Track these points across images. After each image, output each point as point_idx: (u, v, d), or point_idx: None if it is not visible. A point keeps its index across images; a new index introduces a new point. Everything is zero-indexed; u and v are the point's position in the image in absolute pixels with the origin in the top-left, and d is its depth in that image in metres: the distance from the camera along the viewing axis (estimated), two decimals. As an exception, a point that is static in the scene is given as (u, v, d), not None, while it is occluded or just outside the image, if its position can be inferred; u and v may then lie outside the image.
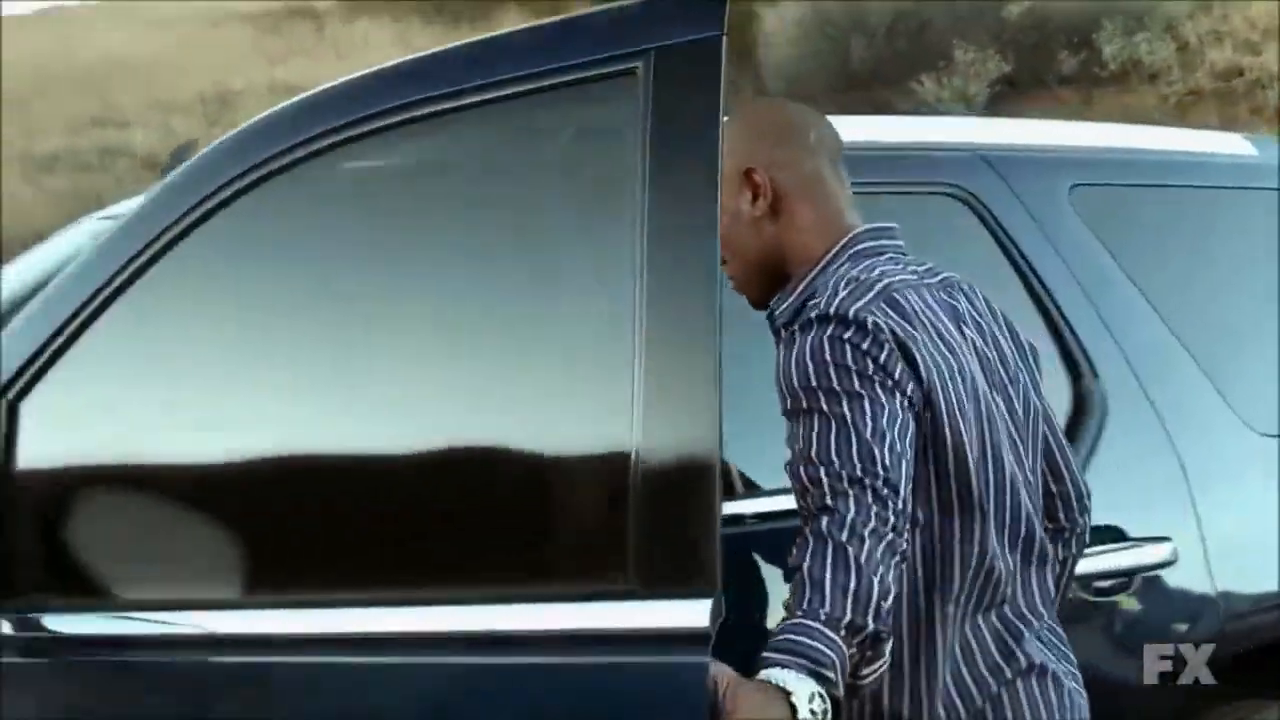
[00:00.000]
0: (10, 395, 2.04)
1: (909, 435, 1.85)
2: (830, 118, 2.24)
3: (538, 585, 1.85)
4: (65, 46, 21.73)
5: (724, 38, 1.82)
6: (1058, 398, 2.78)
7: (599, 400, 1.84)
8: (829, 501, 1.78)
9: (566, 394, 1.88)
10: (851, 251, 2.03)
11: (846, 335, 1.87)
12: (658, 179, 1.80)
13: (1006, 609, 2.01)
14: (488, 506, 1.91)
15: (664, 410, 1.76)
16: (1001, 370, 2.06)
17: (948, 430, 1.92)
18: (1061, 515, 2.18)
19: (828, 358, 1.86)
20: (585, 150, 1.96)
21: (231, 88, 20.91)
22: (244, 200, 1.99)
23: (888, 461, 1.80)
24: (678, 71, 1.82)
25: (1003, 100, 13.50)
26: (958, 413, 1.93)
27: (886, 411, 1.83)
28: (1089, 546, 2.28)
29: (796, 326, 1.92)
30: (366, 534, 1.96)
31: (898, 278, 1.99)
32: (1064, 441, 2.21)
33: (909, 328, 1.92)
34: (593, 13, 1.92)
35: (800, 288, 2.03)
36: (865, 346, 1.86)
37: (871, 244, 2.05)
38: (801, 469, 1.83)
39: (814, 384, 1.85)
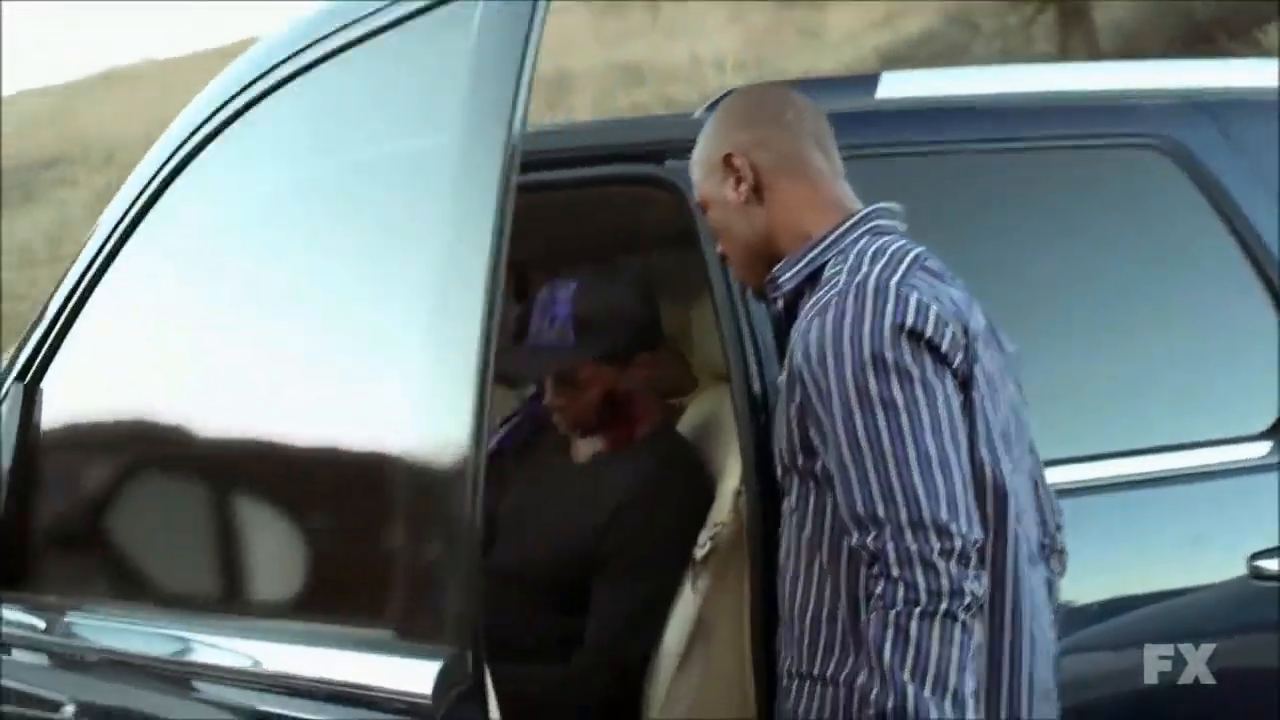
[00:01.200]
0: (27, 379, 2.09)
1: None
2: (1013, 66, 2.07)
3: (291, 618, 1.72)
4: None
5: None
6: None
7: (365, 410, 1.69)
8: (894, 570, 1.68)
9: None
10: (870, 226, 1.92)
11: (905, 321, 1.73)
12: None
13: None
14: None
15: (430, 429, 1.54)
16: (994, 374, 1.89)
17: (989, 412, 1.78)
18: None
19: (886, 353, 1.72)
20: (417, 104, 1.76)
21: (570, 70, 21.37)
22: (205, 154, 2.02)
23: (960, 502, 1.69)
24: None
25: (1362, 48, 12.37)
26: (997, 396, 1.81)
27: (948, 426, 1.71)
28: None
29: (826, 301, 1.79)
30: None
31: (920, 249, 1.87)
32: (1039, 456, 2.02)
33: (951, 292, 1.80)
34: None
35: (808, 257, 1.91)
36: (928, 333, 1.73)
37: (886, 222, 1.94)
38: (858, 502, 1.71)
39: (870, 388, 1.72)
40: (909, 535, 1.68)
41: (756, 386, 2.25)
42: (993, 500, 1.77)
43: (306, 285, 1.84)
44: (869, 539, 1.71)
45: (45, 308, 2.19)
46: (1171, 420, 2.50)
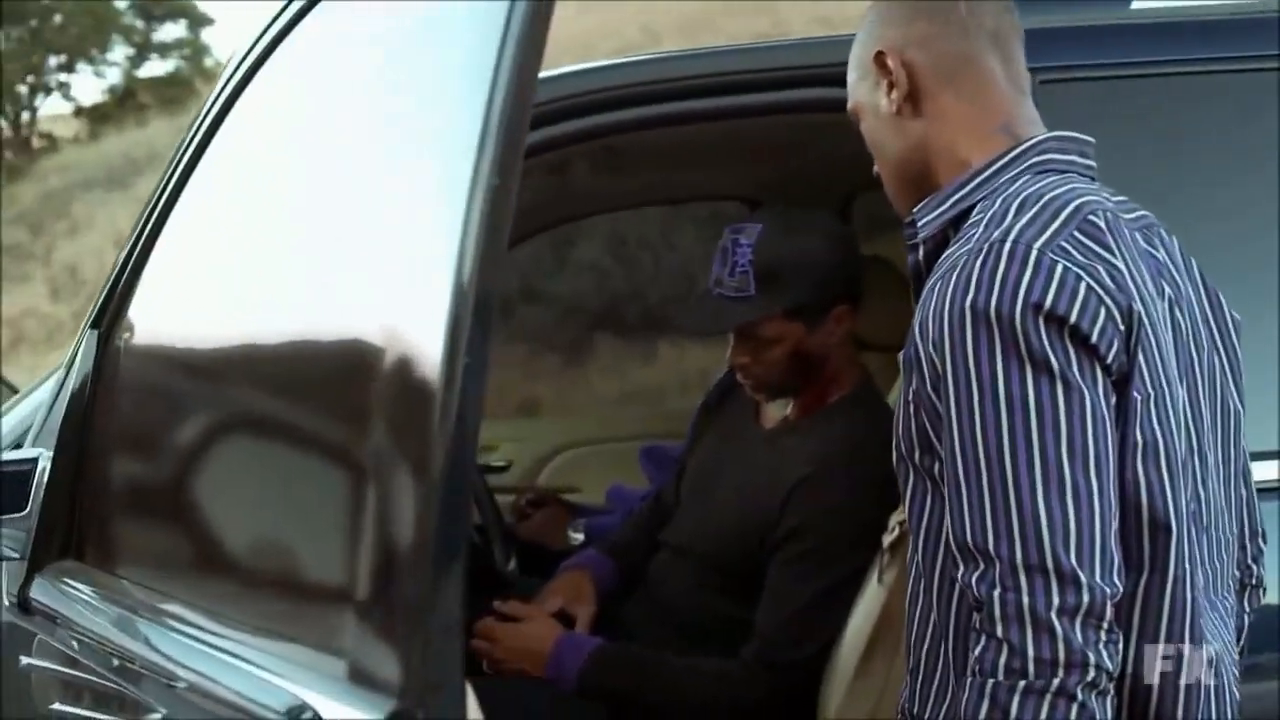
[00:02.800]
0: (101, 327, 1.97)
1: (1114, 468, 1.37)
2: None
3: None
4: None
5: None
6: None
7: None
8: (999, 629, 1.33)
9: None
10: (1031, 162, 1.52)
11: (1044, 300, 1.35)
12: None
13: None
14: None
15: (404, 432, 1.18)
16: (1194, 351, 1.51)
17: (1155, 419, 1.40)
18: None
19: (1017, 338, 1.35)
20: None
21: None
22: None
23: (1096, 543, 1.32)
24: None
25: None
26: (1167, 399, 1.41)
27: (1092, 440, 1.34)
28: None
29: (954, 260, 1.42)
30: None
31: (1092, 196, 1.46)
32: (1248, 460, 1.61)
33: (1114, 261, 1.40)
34: None
35: (955, 197, 1.53)
36: (1073, 318, 1.36)
37: (1058, 156, 1.53)
38: (966, 529, 1.36)
39: (993, 381, 1.35)
40: (1022, 582, 1.31)
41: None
42: (1149, 533, 1.40)
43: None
44: (973, 578, 1.35)
45: (119, 256, 2.07)
46: None
